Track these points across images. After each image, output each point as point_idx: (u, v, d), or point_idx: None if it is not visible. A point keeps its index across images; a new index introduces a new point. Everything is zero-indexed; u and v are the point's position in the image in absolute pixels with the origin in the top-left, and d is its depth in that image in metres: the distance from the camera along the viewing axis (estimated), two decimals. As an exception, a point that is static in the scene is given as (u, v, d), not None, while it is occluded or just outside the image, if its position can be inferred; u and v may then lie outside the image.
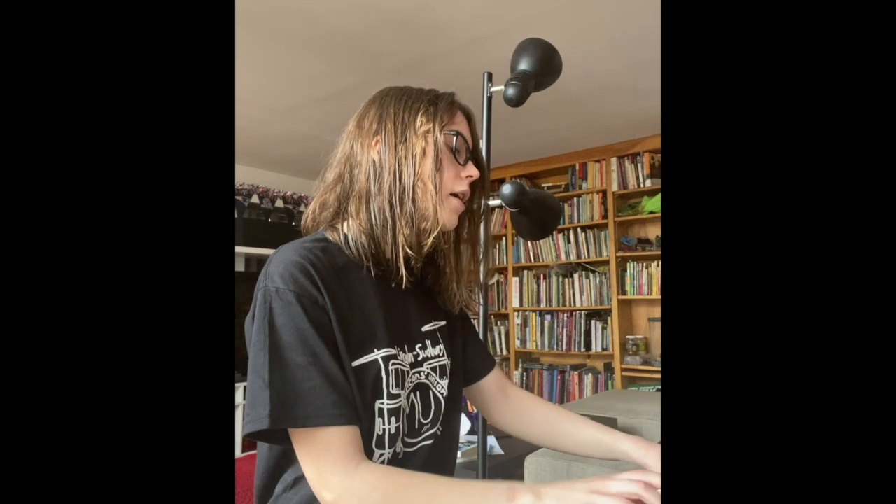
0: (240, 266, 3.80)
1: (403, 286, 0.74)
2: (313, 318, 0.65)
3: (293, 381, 0.62)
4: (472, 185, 0.79)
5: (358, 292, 0.72)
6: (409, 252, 0.71)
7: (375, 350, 0.70)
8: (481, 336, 1.37)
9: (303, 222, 0.80)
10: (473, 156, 0.78)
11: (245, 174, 3.98)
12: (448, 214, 0.75)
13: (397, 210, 0.71)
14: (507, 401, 0.92)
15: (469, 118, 0.79)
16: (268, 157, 3.85)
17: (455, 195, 0.75)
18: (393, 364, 0.71)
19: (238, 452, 3.40)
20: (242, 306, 0.68)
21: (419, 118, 0.73)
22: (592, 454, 0.84)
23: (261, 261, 3.86)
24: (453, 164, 0.75)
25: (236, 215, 3.72)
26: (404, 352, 0.74)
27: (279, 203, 4.09)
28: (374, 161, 0.73)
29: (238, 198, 3.85)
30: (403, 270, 0.72)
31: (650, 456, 0.77)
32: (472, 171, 0.76)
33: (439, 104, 0.75)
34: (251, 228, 3.63)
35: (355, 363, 0.67)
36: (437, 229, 0.73)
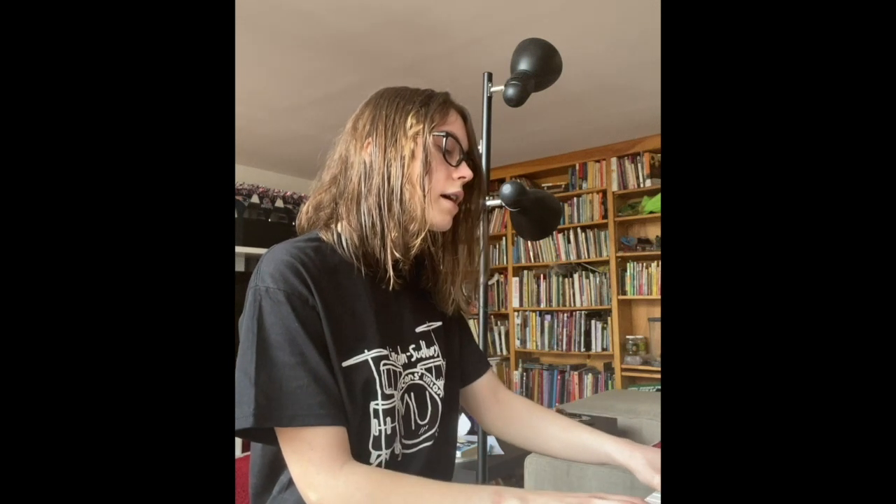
0: (240, 266, 3.80)
1: (392, 287, 0.73)
2: (302, 318, 0.64)
3: (280, 381, 0.62)
4: (468, 185, 0.78)
5: (350, 292, 0.71)
6: (397, 254, 0.71)
7: (366, 350, 0.69)
8: (481, 336, 1.37)
9: (297, 222, 0.80)
10: (469, 156, 0.77)
11: (245, 174, 3.98)
12: (439, 216, 0.74)
13: (385, 212, 0.71)
14: (498, 404, 0.91)
15: (464, 118, 0.78)
16: (268, 157, 3.85)
17: (447, 197, 0.74)
18: (384, 365, 0.70)
19: (238, 453, 3.40)
20: (242, 306, 0.68)
21: (409, 120, 0.72)
22: (580, 458, 0.83)
23: (261, 261, 3.85)
24: (444, 165, 0.74)
25: (236, 215, 3.72)
26: (396, 353, 0.74)
27: (279, 203, 4.09)
28: (365, 163, 0.73)
29: (238, 198, 3.85)
30: (391, 272, 0.71)
31: (635, 458, 0.77)
32: (465, 172, 0.75)
33: (431, 105, 0.74)
34: (251, 228, 3.63)
35: (345, 363, 0.67)
36: (425, 231, 0.72)
